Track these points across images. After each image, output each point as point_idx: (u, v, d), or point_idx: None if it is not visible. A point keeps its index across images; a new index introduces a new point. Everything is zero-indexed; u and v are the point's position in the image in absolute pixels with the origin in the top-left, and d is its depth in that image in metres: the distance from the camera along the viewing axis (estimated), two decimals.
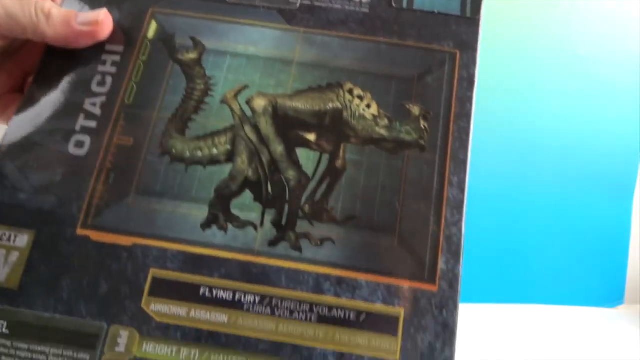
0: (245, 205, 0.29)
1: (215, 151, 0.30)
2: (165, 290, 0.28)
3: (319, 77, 0.32)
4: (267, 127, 0.30)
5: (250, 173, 0.30)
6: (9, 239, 0.28)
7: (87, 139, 0.30)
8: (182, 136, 0.30)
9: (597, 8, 0.72)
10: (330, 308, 0.27)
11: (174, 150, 0.30)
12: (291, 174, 0.30)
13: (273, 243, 0.28)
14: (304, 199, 0.29)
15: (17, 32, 0.30)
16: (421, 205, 0.29)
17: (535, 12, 0.72)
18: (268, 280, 0.28)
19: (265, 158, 0.30)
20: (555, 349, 0.67)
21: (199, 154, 0.30)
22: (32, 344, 0.27)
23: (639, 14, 0.72)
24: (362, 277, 0.28)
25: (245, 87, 0.31)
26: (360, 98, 0.31)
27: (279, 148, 0.30)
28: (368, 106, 0.31)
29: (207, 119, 0.31)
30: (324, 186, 0.30)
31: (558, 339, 0.68)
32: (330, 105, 0.31)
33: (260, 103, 0.31)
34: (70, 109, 0.31)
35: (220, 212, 0.29)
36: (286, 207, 0.29)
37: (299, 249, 0.28)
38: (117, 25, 0.33)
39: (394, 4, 0.33)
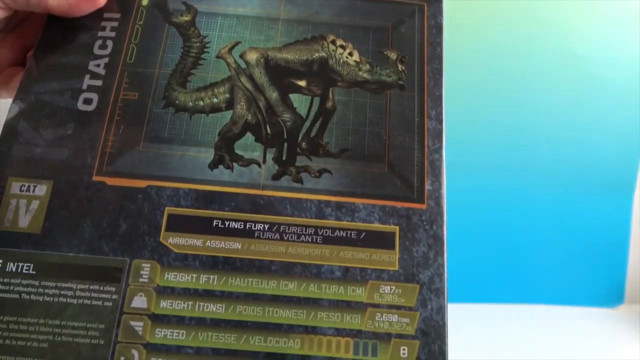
0: (247, 146, 0.32)
1: (215, 100, 0.33)
2: (181, 224, 0.30)
3: (304, 32, 0.35)
4: (260, 76, 0.33)
5: (249, 117, 0.32)
6: (28, 189, 0.30)
7: (94, 96, 0.32)
8: (183, 89, 0.33)
9: (597, 8, 0.72)
10: (333, 230, 0.30)
11: (177, 102, 0.33)
12: (287, 116, 0.33)
13: (276, 177, 0.31)
14: (300, 136, 0.32)
15: (22, 3, 0.32)
16: (405, 137, 0.33)
17: (535, 11, 0.72)
18: (274, 209, 0.31)
19: (262, 104, 0.33)
20: (555, 349, 0.68)
21: (201, 103, 0.33)
22: (58, 282, 0.29)
23: (639, 14, 0.72)
24: (358, 201, 0.31)
25: (238, 42, 0.34)
26: (343, 47, 0.34)
27: (273, 94, 0.33)
28: (350, 54, 0.34)
29: (206, 73, 0.34)
30: (317, 125, 0.33)
31: (558, 339, 0.70)
32: (316, 55, 0.34)
33: (252, 56, 0.34)
34: (76, 71, 0.33)
35: (225, 153, 0.32)
36: (285, 145, 0.32)
37: (300, 180, 0.31)
38: None
39: None
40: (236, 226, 0.30)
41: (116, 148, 0.31)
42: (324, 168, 0.32)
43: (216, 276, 0.29)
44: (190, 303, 0.29)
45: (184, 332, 0.28)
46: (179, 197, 0.31)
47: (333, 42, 0.34)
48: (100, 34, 0.34)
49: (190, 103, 0.33)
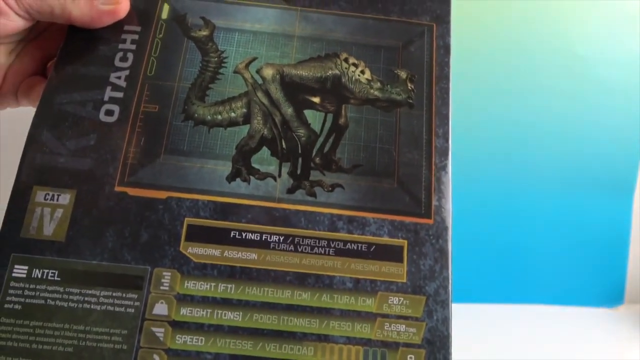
0: (264, 160, 0.33)
1: (233, 114, 0.34)
2: (200, 235, 0.31)
3: (318, 49, 0.36)
4: (276, 92, 0.35)
5: (266, 132, 0.34)
6: (52, 198, 0.31)
7: (116, 108, 0.34)
8: (202, 102, 0.34)
9: (597, 8, 0.71)
10: (344, 242, 0.32)
11: (196, 115, 0.34)
12: (302, 131, 0.34)
13: (291, 191, 0.33)
14: (314, 152, 0.34)
15: (46, 13, 0.33)
16: (414, 154, 0.34)
17: (535, 12, 0.72)
18: (289, 222, 0.32)
19: (277, 119, 0.34)
20: (555, 349, 0.68)
21: (219, 117, 0.34)
22: (82, 289, 0.30)
23: (639, 14, 0.71)
24: (369, 215, 0.33)
25: (255, 58, 0.35)
26: (355, 65, 0.36)
27: (289, 110, 0.34)
28: (362, 72, 0.36)
29: (224, 87, 0.35)
30: (330, 140, 0.34)
31: (558, 339, 0.69)
32: (329, 72, 0.35)
33: (269, 72, 0.35)
34: (97, 82, 0.34)
35: (242, 166, 0.33)
36: (300, 160, 0.34)
37: (313, 194, 0.33)
38: (133, 8, 0.36)
39: None
40: (253, 237, 0.32)
41: (137, 159, 0.33)
42: (336, 183, 0.33)
43: (233, 285, 0.31)
44: (209, 311, 0.30)
45: (203, 338, 0.30)
46: (198, 208, 0.32)
47: (346, 60, 0.36)
48: (121, 46, 0.35)
49: (209, 117, 0.34)
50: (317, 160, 0.34)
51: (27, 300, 0.30)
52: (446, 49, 0.37)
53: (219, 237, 0.32)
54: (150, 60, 0.35)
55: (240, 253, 0.31)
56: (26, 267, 0.30)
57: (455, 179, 0.34)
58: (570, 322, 0.73)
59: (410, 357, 0.30)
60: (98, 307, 0.30)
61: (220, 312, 0.30)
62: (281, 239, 0.32)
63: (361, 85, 0.35)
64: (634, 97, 0.73)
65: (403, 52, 0.37)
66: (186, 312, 0.30)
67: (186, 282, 0.31)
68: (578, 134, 0.73)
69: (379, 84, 0.35)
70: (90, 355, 0.29)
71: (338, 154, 0.34)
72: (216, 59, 0.35)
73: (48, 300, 0.30)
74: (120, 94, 0.34)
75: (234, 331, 0.30)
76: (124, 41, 0.35)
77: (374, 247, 0.32)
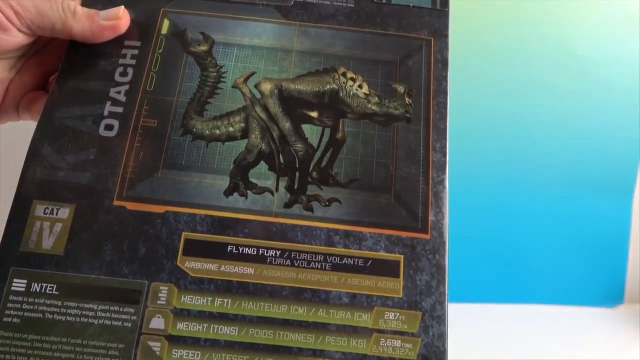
0: (261, 174, 0.34)
1: (231, 129, 0.34)
2: (198, 249, 0.32)
3: (316, 63, 0.36)
4: (275, 107, 0.35)
5: (263, 146, 0.34)
6: (52, 212, 0.32)
7: (115, 123, 0.34)
8: (201, 117, 0.34)
9: (597, 8, 0.72)
10: (341, 257, 0.32)
11: (195, 130, 0.34)
12: (299, 146, 0.34)
13: (288, 205, 0.33)
14: (312, 166, 0.34)
15: (47, 29, 0.34)
16: (411, 168, 0.34)
17: (535, 12, 0.72)
18: (286, 237, 0.32)
19: (275, 133, 0.34)
20: (555, 349, 0.68)
21: (217, 132, 0.34)
22: (80, 303, 0.30)
23: (639, 14, 0.72)
24: (366, 230, 0.33)
25: (253, 73, 0.36)
26: (353, 80, 0.36)
27: (287, 125, 0.35)
28: (360, 87, 0.36)
29: (222, 102, 0.35)
30: (328, 155, 0.34)
31: (558, 339, 0.70)
32: (327, 87, 0.35)
33: (267, 86, 0.35)
34: (97, 97, 0.34)
35: (240, 181, 0.33)
36: (297, 175, 0.34)
37: (310, 209, 0.33)
38: (133, 23, 0.36)
39: (375, 0, 0.38)
40: (250, 252, 0.32)
41: (136, 174, 0.33)
42: (333, 197, 0.33)
43: (230, 300, 0.31)
44: (206, 325, 0.30)
45: (200, 353, 0.30)
46: (196, 222, 0.32)
47: (344, 74, 0.36)
48: (121, 61, 0.35)
49: (207, 131, 0.34)
50: (315, 174, 0.34)
51: (26, 314, 0.30)
52: (444, 64, 0.37)
53: (216, 252, 0.32)
54: (150, 75, 0.35)
55: (237, 268, 0.32)
56: (25, 281, 0.30)
57: (456, 179, 0.35)
58: (570, 322, 0.73)
59: None
60: (95, 322, 0.30)
61: (216, 326, 0.30)
62: (278, 253, 0.32)
63: (359, 100, 0.35)
64: (634, 97, 0.73)
65: (401, 66, 0.37)
66: (183, 327, 0.30)
67: (183, 296, 0.31)
68: (578, 134, 0.74)
69: (376, 98, 0.36)
70: None
71: (335, 169, 0.34)
72: (215, 73, 0.36)
73: (46, 314, 0.30)
74: (120, 109, 0.34)
75: (230, 346, 0.30)
76: (125, 56, 0.36)
77: (370, 262, 0.32)
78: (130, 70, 0.35)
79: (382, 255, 0.32)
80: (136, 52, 0.36)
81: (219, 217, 0.32)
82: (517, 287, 0.76)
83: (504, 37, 0.73)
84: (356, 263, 0.32)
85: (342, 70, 0.36)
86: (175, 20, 0.37)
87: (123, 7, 0.36)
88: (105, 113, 0.34)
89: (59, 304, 0.30)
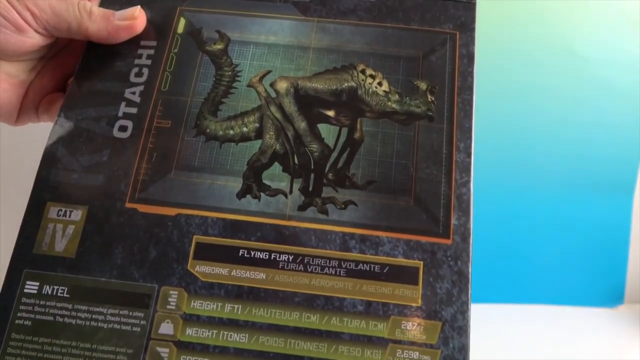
0: (275, 176, 0.32)
1: (245, 129, 0.33)
2: (208, 253, 0.31)
3: (334, 60, 0.35)
4: (290, 106, 0.34)
5: (278, 147, 0.33)
6: (64, 215, 0.32)
7: (129, 124, 0.33)
8: (214, 117, 0.34)
9: (597, 8, 0.72)
10: (356, 263, 0.31)
11: (208, 130, 0.33)
12: (314, 146, 0.33)
13: (302, 208, 0.32)
14: (327, 167, 0.33)
15: (63, 29, 0.34)
16: (433, 169, 0.32)
17: (535, 12, 0.72)
18: (299, 241, 0.31)
19: (290, 133, 0.33)
20: (555, 349, 0.68)
21: (231, 132, 0.33)
22: (90, 306, 0.30)
23: (639, 14, 0.71)
24: (383, 234, 0.31)
25: (269, 71, 0.35)
26: (372, 77, 0.34)
27: (302, 124, 0.33)
28: (380, 84, 0.34)
29: (236, 102, 0.34)
30: (344, 156, 0.33)
31: (558, 339, 0.69)
32: (345, 85, 0.34)
33: (282, 85, 0.34)
34: (112, 98, 0.34)
35: (253, 182, 0.32)
36: (312, 176, 0.33)
37: (325, 212, 0.32)
38: (150, 23, 0.36)
39: None
40: (261, 256, 0.31)
41: (149, 175, 0.32)
42: (349, 200, 0.32)
43: (240, 306, 0.30)
44: (215, 332, 0.30)
45: None
46: (207, 225, 0.31)
47: (363, 71, 0.34)
48: (136, 61, 0.35)
49: (221, 132, 0.33)
50: (330, 176, 0.33)
51: (37, 317, 0.30)
52: (470, 58, 0.35)
53: (227, 256, 0.31)
54: (165, 75, 0.35)
55: (248, 272, 0.31)
56: (37, 284, 0.30)
57: None
58: (570, 322, 0.73)
59: None
60: (105, 325, 0.30)
61: (226, 333, 0.30)
62: (290, 258, 0.31)
63: (378, 98, 0.34)
64: (634, 97, 0.73)
65: (423, 62, 0.35)
66: (192, 332, 0.30)
67: (193, 301, 0.30)
68: (578, 135, 0.73)
69: (397, 96, 0.34)
70: None
71: (352, 170, 0.33)
72: (230, 72, 0.35)
73: (57, 317, 0.30)
74: (134, 110, 0.34)
75: (240, 353, 0.29)
76: (140, 56, 0.35)
77: (387, 268, 0.31)
78: (146, 71, 0.35)
79: (400, 260, 0.31)
80: (152, 51, 0.35)
81: (231, 219, 0.31)
82: (517, 287, 0.75)
83: (503, 38, 0.72)
84: (372, 269, 0.31)
85: (361, 67, 0.35)
86: (191, 18, 0.36)
87: (139, 6, 0.35)
88: (120, 114, 0.34)
89: (70, 306, 0.30)
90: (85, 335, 0.29)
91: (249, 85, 0.34)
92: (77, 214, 0.32)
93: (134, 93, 0.34)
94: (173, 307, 0.30)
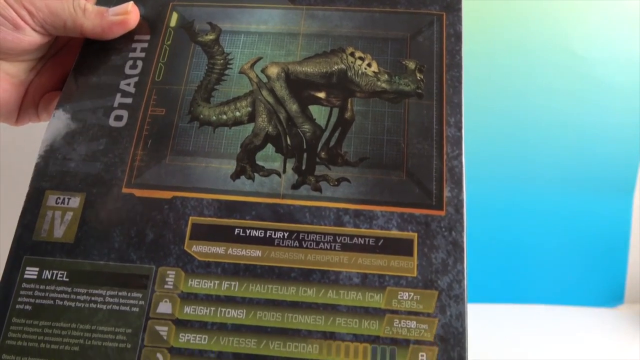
0: (268, 157, 0.33)
1: (238, 114, 0.34)
2: (204, 233, 0.31)
3: (324, 45, 0.36)
4: (281, 89, 0.34)
5: (270, 129, 0.34)
6: (63, 202, 0.32)
7: (125, 113, 0.34)
8: (207, 104, 0.34)
9: (597, 8, 0.72)
10: (351, 237, 0.31)
11: (201, 116, 0.34)
12: (307, 127, 0.33)
13: (296, 186, 0.32)
14: (319, 147, 0.33)
15: (59, 27, 0.35)
16: (424, 144, 0.33)
17: (535, 12, 0.73)
18: (294, 218, 0.31)
19: (282, 116, 0.34)
20: (555, 349, 0.68)
21: (224, 117, 0.34)
22: (89, 289, 0.30)
23: (639, 14, 0.72)
24: (377, 208, 0.31)
25: (260, 58, 0.35)
26: (362, 59, 0.35)
27: (293, 106, 0.34)
28: (369, 65, 0.35)
29: (229, 88, 0.35)
30: (336, 135, 0.33)
31: (558, 339, 0.70)
32: (335, 67, 0.35)
33: (273, 70, 0.35)
34: (108, 90, 0.35)
35: (247, 164, 0.33)
36: (305, 155, 0.33)
37: (319, 189, 0.32)
38: (143, 18, 0.37)
39: None
40: (257, 234, 0.31)
41: (144, 161, 0.33)
42: (342, 177, 0.32)
43: (237, 283, 0.30)
44: (213, 309, 0.30)
45: (207, 337, 0.29)
46: (203, 207, 0.32)
47: (352, 54, 0.35)
48: (131, 55, 0.36)
49: (214, 117, 0.34)
50: (323, 155, 0.33)
51: (37, 301, 0.30)
52: (457, 37, 0.36)
53: (223, 235, 0.31)
54: (159, 66, 0.36)
55: (244, 250, 0.31)
56: (37, 269, 0.31)
57: None
58: (570, 322, 0.73)
59: (422, 355, 0.28)
60: (104, 307, 0.30)
61: (223, 310, 0.30)
62: (286, 235, 0.31)
63: (368, 78, 0.34)
64: (634, 97, 0.73)
65: (411, 42, 0.36)
66: (190, 311, 0.30)
67: (190, 280, 0.30)
68: (578, 134, 0.74)
69: (386, 75, 0.35)
70: (95, 354, 0.29)
71: (344, 148, 0.33)
72: (222, 60, 0.35)
73: (57, 300, 0.30)
74: (129, 100, 0.35)
75: (238, 329, 0.29)
76: (134, 50, 0.36)
77: (382, 241, 0.31)
78: (140, 63, 0.36)
79: (394, 233, 0.31)
80: (145, 45, 0.36)
81: (226, 200, 0.32)
82: (517, 286, 0.75)
83: (503, 37, 0.72)
84: (367, 242, 0.31)
85: (349, 50, 0.35)
86: (183, 12, 0.37)
87: (132, 2, 0.36)
88: (115, 104, 0.35)
89: (69, 290, 0.30)
90: (84, 317, 0.30)
91: (240, 72, 0.35)
92: (75, 201, 0.32)
93: (128, 84, 0.35)
94: (171, 287, 0.30)
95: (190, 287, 0.30)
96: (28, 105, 0.38)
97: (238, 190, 0.32)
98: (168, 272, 0.30)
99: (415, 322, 0.29)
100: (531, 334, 0.70)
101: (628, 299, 0.77)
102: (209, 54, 0.36)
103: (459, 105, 0.34)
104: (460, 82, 0.34)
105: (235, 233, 0.31)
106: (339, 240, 0.31)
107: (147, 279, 0.30)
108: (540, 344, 0.68)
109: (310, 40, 0.36)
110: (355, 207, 0.31)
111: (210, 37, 0.36)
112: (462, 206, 0.31)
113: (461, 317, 0.29)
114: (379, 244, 0.31)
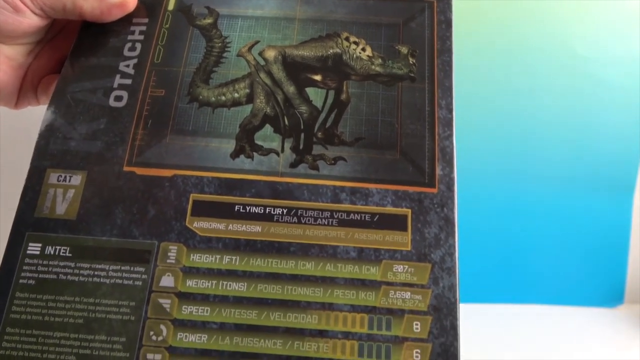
0: (267, 136, 0.34)
1: (236, 95, 0.35)
2: (205, 210, 0.32)
3: (319, 30, 0.37)
4: (278, 72, 0.35)
5: (268, 110, 0.35)
6: (65, 180, 0.33)
7: (124, 94, 0.35)
8: (206, 85, 0.35)
9: (597, 8, 0.72)
10: (348, 213, 0.32)
11: (201, 97, 0.35)
12: (304, 108, 0.35)
13: (294, 165, 0.33)
14: (316, 127, 0.34)
15: (59, 9, 0.35)
16: (417, 125, 0.34)
17: (535, 11, 0.72)
18: (292, 195, 0.32)
19: (280, 97, 0.35)
20: (555, 349, 0.68)
21: (223, 98, 0.35)
22: (92, 264, 0.31)
23: (639, 14, 0.72)
24: (372, 186, 0.33)
25: (257, 42, 0.36)
26: (356, 43, 0.36)
27: (290, 88, 0.35)
28: (363, 49, 0.36)
29: (227, 70, 0.36)
30: (332, 116, 0.35)
31: (558, 339, 0.70)
32: (331, 51, 0.36)
33: (271, 53, 0.36)
34: (107, 71, 0.36)
35: (246, 143, 0.34)
36: (302, 135, 0.34)
37: (316, 168, 0.33)
38: (141, 2, 0.38)
39: None
40: (256, 211, 0.32)
41: (145, 141, 0.34)
42: (339, 156, 0.33)
43: (238, 257, 0.31)
44: (214, 282, 0.31)
45: (209, 309, 0.30)
46: (203, 184, 0.33)
47: (347, 38, 0.36)
48: (129, 37, 0.37)
49: (213, 98, 0.35)
50: (320, 135, 0.34)
51: (40, 276, 0.31)
52: (447, 24, 0.37)
53: (224, 212, 0.32)
54: (158, 48, 0.36)
55: (244, 226, 0.32)
56: (40, 245, 0.31)
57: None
58: (570, 322, 0.73)
59: (416, 324, 0.30)
60: (107, 281, 0.31)
61: (225, 283, 0.31)
62: (284, 211, 0.32)
63: (362, 62, 0.36)
64: (634, 97, 0.73)
65: (404, 28, 0.37)
66: (192, 284, 0.31)
67: (192, 255, 0.31)
68: (578, 134, 0.73)
69: (380, 60, 0.36)
70: (99, 326, 0.30)
71: (340, 128, 0.34)
72: (220, 44, 0.36)
73: (60, 275, 0.31)
74: (128, 81, 0.35)
75: (239, 301, 0.30)
76: (133, 32, 0.37)
77: (377, 216, 0.32)
78: (139, 45, 0.36)
79: (389, 209, 0.32)
80: (144, 28, 0.37)
81: (226, 178, 0.33)
82: (517, 286, 0.75)
83: (503, 37, 0.72)
84: (363, 218, 0.32)
85: (344, 34, 0.36)
86: None
87: None
88: (115, 85, 0.35)
89: (72, 265, 0.31)
90: (88, 291, 0.30)
91: (238, 55, 0.36)
92: (77, 179, 0.33)
93: (127, 66, 0.36)
94: (173, 261, 0.31)
95: (192, 262, 0.31)
96: (27, 88, 0.38)
97: (238, 169, 0.33)
98: (170, 247, 0.31)
99: (409, 293, 0.30)
100: (531, 334, 0.70)
101: (628, 299, 0.77)
102: (207, 37, 0.37)
103: (449, 88, 0.35)
104: (450, 67, 0.36)
105: (236, 210, 0.32)
106: (336, 216, 0.32)
107: (150, 254, 0.31)
108: (540, 344, 0.69)
109: (306, 25, 0.37)
110: (352, 184, 0.33)
111: (208, 20, 0.37)
112: (453, 184, 0.33)
113: (453, 288, 0.30)
114: (375, 219, 0.32)
